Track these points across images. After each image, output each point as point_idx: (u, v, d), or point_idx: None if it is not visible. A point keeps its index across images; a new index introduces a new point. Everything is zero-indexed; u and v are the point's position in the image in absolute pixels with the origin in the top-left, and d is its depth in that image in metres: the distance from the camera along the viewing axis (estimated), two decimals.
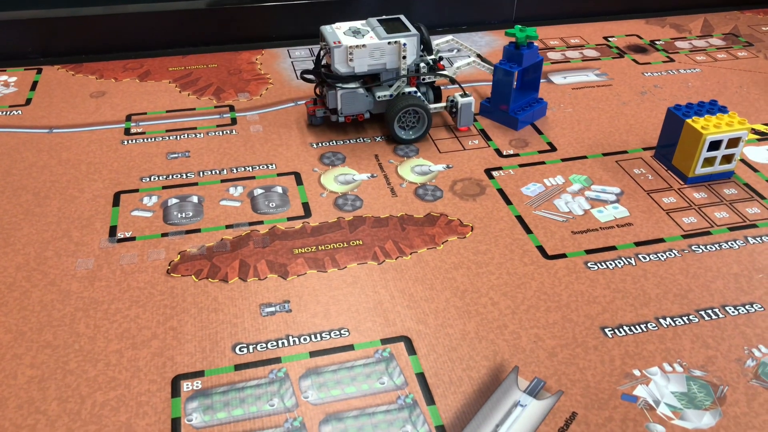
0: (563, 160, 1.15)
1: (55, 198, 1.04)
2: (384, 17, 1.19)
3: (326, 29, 1.17)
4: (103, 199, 1.03)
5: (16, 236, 0.96)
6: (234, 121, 1.25)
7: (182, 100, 1.31)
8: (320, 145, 1.18)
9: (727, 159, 1.09)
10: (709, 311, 0.85)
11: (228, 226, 0.98)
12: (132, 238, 0.95)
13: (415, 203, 1.04)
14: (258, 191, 1.06)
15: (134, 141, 1.18)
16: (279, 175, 1.10)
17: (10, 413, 0.71)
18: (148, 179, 1.08)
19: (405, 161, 1.14)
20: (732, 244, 0.96)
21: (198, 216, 1.00)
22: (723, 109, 1.09)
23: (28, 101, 1.30)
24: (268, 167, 1.12)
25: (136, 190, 1.05)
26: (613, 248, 0.95)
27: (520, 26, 1.20)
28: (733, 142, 1.06)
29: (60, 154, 1.14)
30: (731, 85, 1.40)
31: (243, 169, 1.11)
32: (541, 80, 1.29)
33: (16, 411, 0.71)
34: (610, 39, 1.60)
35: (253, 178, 1.09)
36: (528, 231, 0.98)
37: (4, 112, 1.27)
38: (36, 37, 1.47)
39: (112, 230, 0.97)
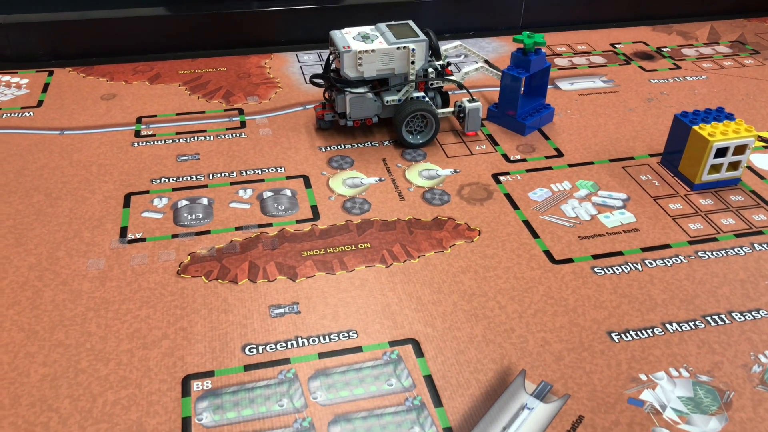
0: (570, 165, 1.16)
1: (66, 199, 1.05)
2: (393, 23, 1.20)
3: (336, 34, 1.18)
4: (114, 201, 1.04)
5: (29, 236, 0.97)
6: (243, 124, 1.26)
7: (192, 103, 1.32)
8: (329, 148, 1.19)
9: (734, 166, 1.09)
10: (716, 317, 0.85)
11: (237, 228, 0.99)
12: (142, 239, 0.96)
13: (423, 207, 1.04)
14: (267, 194, 1.07)
15: (144, 143, 1.19)
16: (288, 178, 1.11)
17: (23, 411, 0.72)
18: (158, 181, 1.09)
19: (413, 165, 1.15)
20: (738, 250, 0.96)
21: (208, 218, 1.01)
22: (730, 117, 1.09)
23: (40, 103, 1.32)
24: (277, 170, 1.13)
25: (147, 192, 1.06)
26: (619, 253, 0.96)
27: (528, 32, 1.21)
28: (740, 150, 1.07)
29: (71, 155, 1.16)
30: (738, 92, 1.40)
31: (252, 171, 1.12)
32: (549, 86, 1.30)
33: (28, 408, 0.72)
34: (616, 46, 1.61)
35: (263, 180, 1.10)
36: (535, 236, 0.99)
37: (17, 114, 1.28)
38: (47, 40, 1.48)
39: (123, 231, 0.98)
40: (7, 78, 1.41)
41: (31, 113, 1.28)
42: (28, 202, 1.04)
